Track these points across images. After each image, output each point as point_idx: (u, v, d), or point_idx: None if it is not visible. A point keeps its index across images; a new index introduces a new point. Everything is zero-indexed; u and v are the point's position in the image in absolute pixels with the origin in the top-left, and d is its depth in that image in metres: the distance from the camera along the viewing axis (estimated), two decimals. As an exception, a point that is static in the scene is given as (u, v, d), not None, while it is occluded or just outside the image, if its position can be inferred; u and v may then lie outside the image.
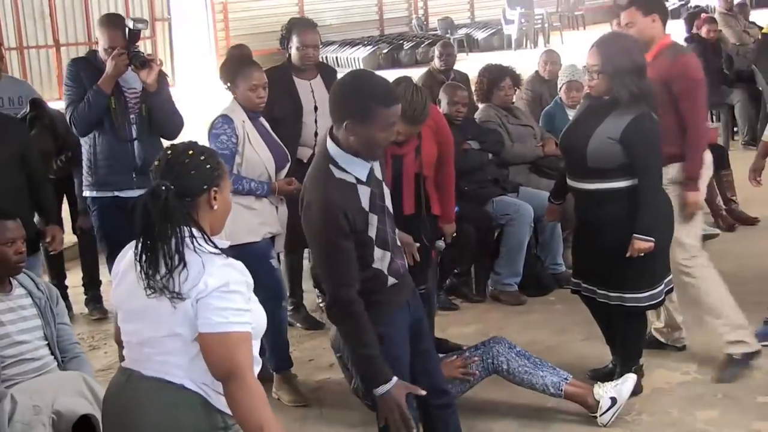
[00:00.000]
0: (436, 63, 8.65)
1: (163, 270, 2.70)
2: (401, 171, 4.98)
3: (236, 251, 5.23)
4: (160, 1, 20.79)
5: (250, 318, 2.77)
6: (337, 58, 21.62)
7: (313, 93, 5.85)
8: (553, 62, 8.38)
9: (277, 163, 5.06)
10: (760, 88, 10.04)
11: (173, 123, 5.49)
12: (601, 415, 4.60)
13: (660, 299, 4.79)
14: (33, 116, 5.97)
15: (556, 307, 5.79)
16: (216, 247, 2.78)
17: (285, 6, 22.66)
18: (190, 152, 2.83)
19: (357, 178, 3.50)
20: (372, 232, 3.53)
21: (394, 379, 3.47)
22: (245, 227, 4.89)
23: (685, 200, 5.02)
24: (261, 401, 2.76)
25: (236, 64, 5.17)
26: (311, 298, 6.37)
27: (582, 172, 4.71)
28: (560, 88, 7.39)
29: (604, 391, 4.64)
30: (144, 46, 19.92)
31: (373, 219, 3.53)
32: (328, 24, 23.52)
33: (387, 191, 3.71)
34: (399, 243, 3.84)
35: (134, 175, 5.30)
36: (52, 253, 5.70)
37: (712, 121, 10.70)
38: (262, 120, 5.18)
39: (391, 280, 3.65)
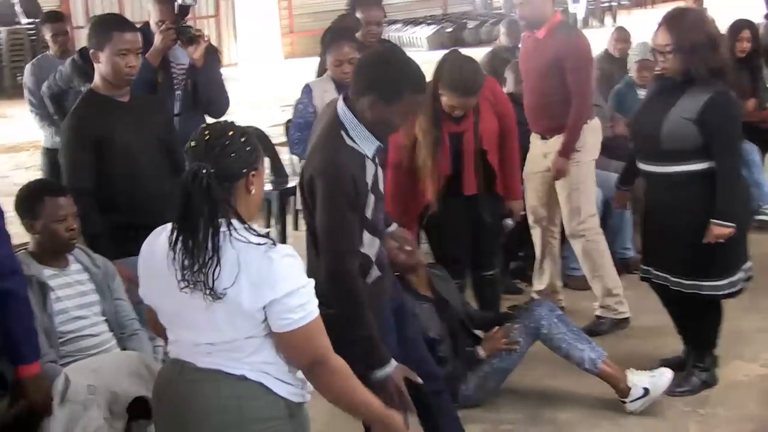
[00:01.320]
0: (502, 40, 8.47)
1: (200, 261, 2.51)
2: (461, 149, 4.83)
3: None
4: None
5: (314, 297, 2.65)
6: (400, 37, 21.45)
7: None
8: (624, 40, 8.18)
9: None
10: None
11: (218, 100, 5.43)
12: (630, 402, 4.48)
13: (738, 288, 4.54)
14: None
15: (624, 293, 5.59)
16: (259, 234, 2.59)
17: (348, -15, 22.55)
18: (230, 133, 2.63)
19: (365, 154, 3.35)
20: (368, 212, 3.38)
21: (393, 361, 3.33)
22: None
23: (553, 165, 5.40)
24: (351, 379, 2.70)
25: (330, 37, 5.10)
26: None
27: (655, 154, 4.50)
28: (631, 67, 7.17)
29: (638, 380, 4.50)
30: (208, 25, 20.04)
31: (371, 200, 3.37)
32: (392, 2, 23.41)
33: (381, 175, 3.51)
34: (394, 237, 3.84)
35: None
36: None
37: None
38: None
39: (375, 272, 3.49)
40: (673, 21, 4.46)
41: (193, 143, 2.64)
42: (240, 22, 21.17)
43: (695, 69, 4.31)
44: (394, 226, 3.95)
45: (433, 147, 4.74)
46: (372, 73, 3.33)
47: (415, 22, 22.69)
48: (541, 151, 5.56)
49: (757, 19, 8.50)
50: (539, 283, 5.85)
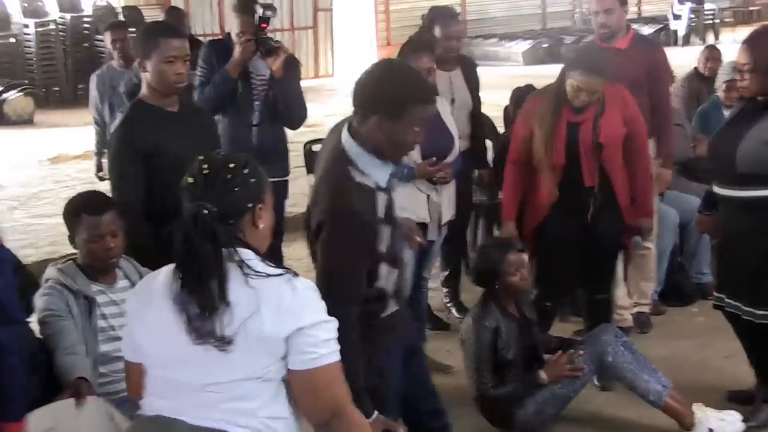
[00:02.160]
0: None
1: (209, 310, 2.32)
2: (577, 139, 4.79)
3: None
4: (324, -9, 20.94)
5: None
6: (496, 51, 21.29)
7: (451, 85, 5.67)
8: (714, 59, 7.98)
9: (426, 149, 4.79)
10: None
11: (296, 112, 5.47)
12: None
13: None
14: None
15: (698, 319, 5.40)
16: (278, 266, 2.43)
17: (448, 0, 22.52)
18: (231, 165, 2.44)
19: (377, 184, 3.15)
20: (382, 246, 3.18)
21: (375, 414, 3.09)
22: None
23: (660, 177, 5.48)
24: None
25: (409, 49, 5.08)
26: (438, 297, 6.14)
27: (731, 178, 4.32)
28: (719, 87, 6.95)
29: (705, 418, 4.32)
30: (306, 36, 20.19)
31: (386, 231, 3.17)
32: (492, 16, 23.28)
33: (397, 202, 3.36)
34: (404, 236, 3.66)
35: None
36: None
37: None
38: (440, 103, 4.95)
39: (392, 307, 3.29)
40: (754, 40, 4.36)
41: (189, 180, 2.43)
42: (337, 33, 21.26)
43: None
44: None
45: (549, 135, 4.73)
46: (372, 92, 3.14)
47: (512, 36, 22.49)
48: None
49: None
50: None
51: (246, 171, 2.46)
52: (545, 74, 16.76)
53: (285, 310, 2.36)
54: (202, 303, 2.34)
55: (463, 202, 5.57)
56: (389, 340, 3.28)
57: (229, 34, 5.49)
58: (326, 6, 20.94)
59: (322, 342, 2.39)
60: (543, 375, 4.49)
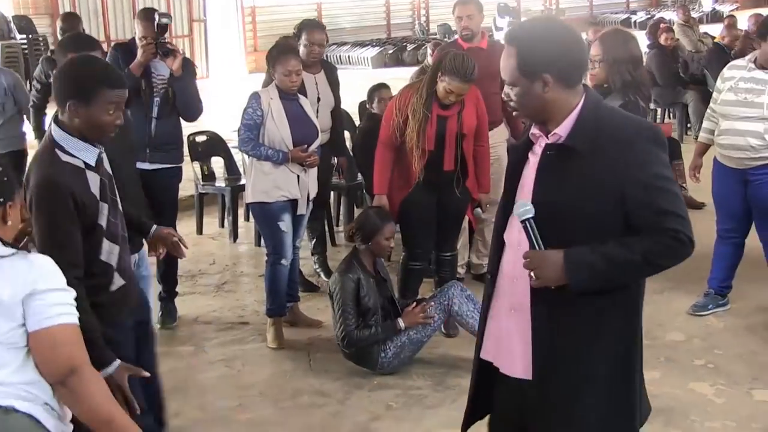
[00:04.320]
0: (429, 60, 8.44)
1: None
2: (445, 130, 4.94)
3: (252, 208, 5.20)
4: (197, 3, 20.54)
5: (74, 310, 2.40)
6: (349, 56, 21.35)
7: (316, 86, 5.72)
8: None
9: (296, 138, 5.01)
10: (711, 90, 9.85)
11: (193, 106, 5.42)
12: None
13: None
14: None
15: None
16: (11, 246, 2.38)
17: (305, 12, 22.42)
18: None
19: (85, 163, 2.98)
20: (102, 221, 3.02)
21: (117, 362, 2.92)
22: (260, 188, 5.02)
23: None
24: (106, 393, 2.42)
25: (277, 52, 5.11)
26: (309, 264, 6.20)
27: None
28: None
29: None
30: (183, 44, 19.79)
31: (104, 208, 3.01)
32: (343, 27, 23.30)
33: (114, 187, 3.17)
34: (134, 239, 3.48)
35: (147, 150, 5.16)
36: None
37: (669, 118, 10.54)
38: (302, 101, 5.19)
39: (119, 280, 3.11)
40: (604, 37, 4.55)
41: None
42: (211, 41, 20.94)
43: (611, 80, 4.36)
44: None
45: (421, 123, 4.85)
46: (63, 82, 3.00)
47: (362, 44, 22.59)
48: None
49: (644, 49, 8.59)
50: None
51: None
52: (391, 76, 16.85)
53: (20, 281, 2.32)
54: None
55: (324, 181, 5.68)
56: (118, 312, 3.11)
57: (133, 38, 5.38)
58: (200, 17, 20.63)
59: (55, 305, 2.34)
60: (401, 322, 4.65)
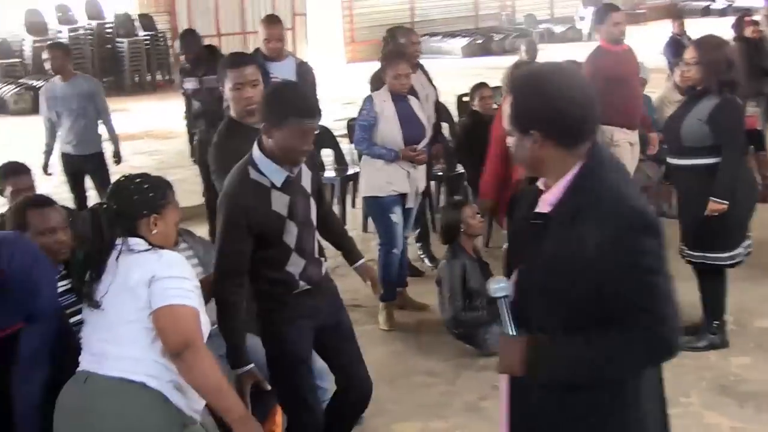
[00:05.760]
0: (523, 56, 8.41)
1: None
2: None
3: (366, 201, 5.36)
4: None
5: (196, 298, 2.57)
6: (439, 47, 21.28)
7: (422, 85, 5.76)
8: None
9: (406, 138, 5.07)
10: (796, 81, 9.52)
11: None
12: None
13: (739, 260, 4.52)
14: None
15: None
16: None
17: (399, 4, 22.44)
18: (137, 180, 2.72)
19: (272, 183, 3.04)
20: (289, 239, 3.09)
21: (248, 367, 3.04)
22: (373, 183, 5.14)
23: None
24: (216, 369, 2.54)
25: (388, 57, 5.21)
26: (413, 250, 6.25)
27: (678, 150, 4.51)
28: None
29: None
30: (286, 36, 20.04)
31: (291, 226, 3.08)
32: (434, 18, 23.23)
33: (314, 206, 3.22)
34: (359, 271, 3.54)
35: None
36: None
37: (754, 107, 10.21)
38: (411, 101, 5.23)
39: (303, 284, 3.17)
40: (699, 42, 4.56)
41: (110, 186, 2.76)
42: (311, 33, 21.17)
43: (707, 80, 4.37)
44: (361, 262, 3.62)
45: None
46: (264, 105, 3.09)
47: (452, 34, 22.48)
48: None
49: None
50: None
51: (146, 186, 2.69)
52: (481, 65, 16.68)
53: (147, 268, 2.53)
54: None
55: (428, 175, 5.74)
56: (292, 312, 3.17)
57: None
58: (302, 11, 20.85)
59: (174, 288, 2.50)
60: None
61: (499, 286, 2.13)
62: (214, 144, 3.74)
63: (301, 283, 3.17)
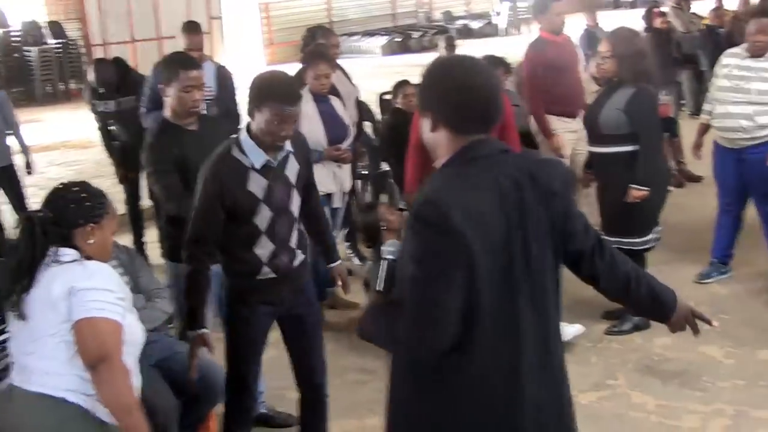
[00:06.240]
0: (442, 53, 8.49)
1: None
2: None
3: None
4: (215, 2, 20.56)
5: (119, 311, 2.50)
6: (359, 46, 21.37)
7: (341, 83, 5.78)
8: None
9: (330, 138, 5.07)
10: (703, 69, 9.90)
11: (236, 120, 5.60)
12: None
13: (651, 246, 4.68)
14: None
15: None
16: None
17: (316, 5, 22.43)
18: (74, 188, 2.64)
19: (252, 164, 3.14)
20: (260, 222, 3.18)
21: (202, 331, 3.19)
22: None
23: None
24: (129, 382, 2.50)
25: (308, 58, 5.18)
26: (341, 250, 6.27)
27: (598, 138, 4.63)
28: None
29: None
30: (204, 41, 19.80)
31: (264, 210, 3.17)
32: (351, 18, 23.29)
33: (296, 198, 3.29)
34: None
35: None
36: None
37: (666, 95, 10.56)
38: (333, 101, 5.22)
39: (267, 271, 3.25)
40: (612, 35, 4.67)
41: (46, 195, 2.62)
42: (228, 36, 20.98)
43: (622, 72, 4.50)
44: (337, 263, 3.75)
45: None
46: (249, 88, 3.16)
47: (371, 33, 22.59)
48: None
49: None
50: None
51: (83, 195, 2.62)
52: (400, 63, 16.80)
53: (68, 280, 2.46)
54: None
55: (353, 174, 5.78)
56: (253, 296, 3.28)
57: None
58: (217, 15, 20.66)
59: (92, 301, 2.43)
60: None
61: (389, 249, 2.28)
62: (148, 145, 3.72)
63: (266, 269, 3.24)
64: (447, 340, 1.96)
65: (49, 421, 2.44)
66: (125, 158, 6.36)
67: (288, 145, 3.22)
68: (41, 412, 2.45)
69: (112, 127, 6.50)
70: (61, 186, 2.66)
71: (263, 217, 3.18)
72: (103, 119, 6.59)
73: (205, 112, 5.30)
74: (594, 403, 4.10)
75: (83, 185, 2.67)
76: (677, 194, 7.13)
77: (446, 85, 2.07)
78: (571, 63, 5.68)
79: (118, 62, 6.67)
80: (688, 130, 7.66)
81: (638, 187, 4.45)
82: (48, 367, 2.46)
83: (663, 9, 10.38)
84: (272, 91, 3.09)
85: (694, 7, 12.33)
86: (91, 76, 6.48)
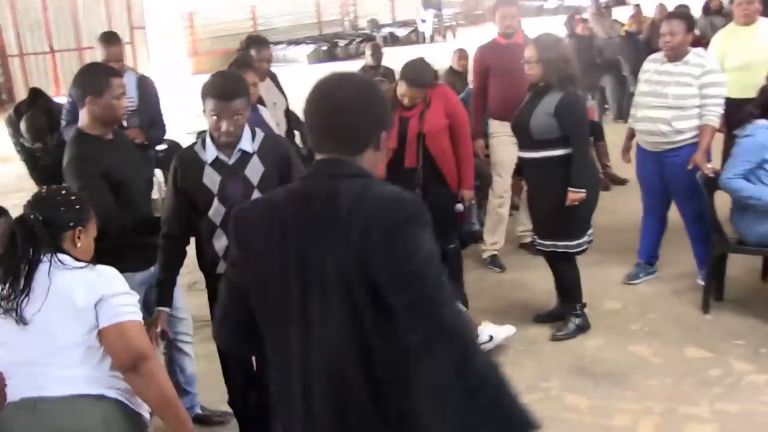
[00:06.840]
0: (369, 60, 8.53)
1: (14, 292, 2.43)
2: (406, 130, 4.87)
3: None
4: (137, 11, 20.24)
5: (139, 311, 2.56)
6: (285, 55, 21.30)
7: (267, 92, 5.78)
8: (464, 57, 8.31)
9: None
10: (624, 74, 10.15)
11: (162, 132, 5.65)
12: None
13: (584, 248, 4.75)
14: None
15: (510, 257, 5.71)
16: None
17: (240, 14, 22.27)
18: (63, 192, 2.65)
19: (205, 160, 3.32)
20: (214, 217, 3.32)
21: (165, 309, 3.42)
22: None
23: None
24: (168, 380, 2.57)
25: (234, 67, 5.13)
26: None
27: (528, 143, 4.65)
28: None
29: (486, 329, 4.63)
30: (125, 51, 19.48)
31: (218, 205, 3.32)
32: (276, 27, 23.20)
33: (243, 191, 3.33)
34: None
35: None
36: None
37: (590, 100, 10.80)
38: (261, 110, 5.17)
39: (223, 266, 3.17)
40: (537, 40, 4.69)
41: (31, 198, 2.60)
42: (151, 46, 20.68)
43: (548, 77, 4.54)
44: None
45: None
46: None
47: (296, 42, 22.54)
48: None
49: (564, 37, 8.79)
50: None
51: (72, 198, 2.62)
52: (327, 71, 16.79)
53: (92, 289, 2.45)
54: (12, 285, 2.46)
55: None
56: (214, 286, 3.32)
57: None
58: (140, 25, 20.39)
59: (122, 305, 2.47)
60: None
61: None
62: (72, 158, 3.60)
63: (223, 263, 3.29)
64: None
65: (94, 419, 2.42)
66: (45, 172, 6.16)
67: (247, 145, 3.33)
68: (82, 411, 2.42)
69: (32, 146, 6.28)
70: (45, 190, 2.64)
71: (217, 212, 3.32)
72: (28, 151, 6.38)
73: (125, 123, 5.23)
74: (528, 405, 4.12)
75: (67, 189, 2.69)
76: (604, 197, 7.18)
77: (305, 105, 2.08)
78: (515, 68, 5.68)
79: (36, 97, 6.26)
80: (611, 134, 7.85)
81: (576, 189, 4.52)
82: (78, 374, 2.44)
83: (584, 16, 10.62)
84: (208, 88, 3.26)
85: (614, 14, 12.66)
86: (21, 125, 6.18)
